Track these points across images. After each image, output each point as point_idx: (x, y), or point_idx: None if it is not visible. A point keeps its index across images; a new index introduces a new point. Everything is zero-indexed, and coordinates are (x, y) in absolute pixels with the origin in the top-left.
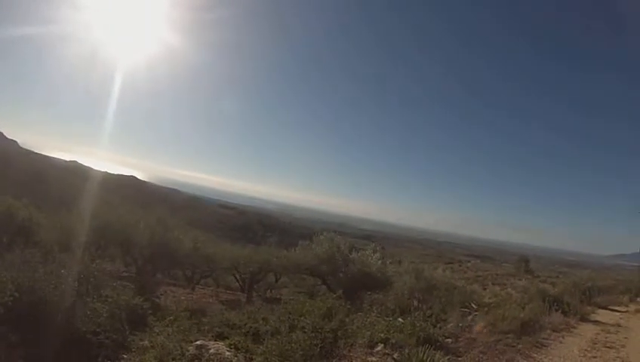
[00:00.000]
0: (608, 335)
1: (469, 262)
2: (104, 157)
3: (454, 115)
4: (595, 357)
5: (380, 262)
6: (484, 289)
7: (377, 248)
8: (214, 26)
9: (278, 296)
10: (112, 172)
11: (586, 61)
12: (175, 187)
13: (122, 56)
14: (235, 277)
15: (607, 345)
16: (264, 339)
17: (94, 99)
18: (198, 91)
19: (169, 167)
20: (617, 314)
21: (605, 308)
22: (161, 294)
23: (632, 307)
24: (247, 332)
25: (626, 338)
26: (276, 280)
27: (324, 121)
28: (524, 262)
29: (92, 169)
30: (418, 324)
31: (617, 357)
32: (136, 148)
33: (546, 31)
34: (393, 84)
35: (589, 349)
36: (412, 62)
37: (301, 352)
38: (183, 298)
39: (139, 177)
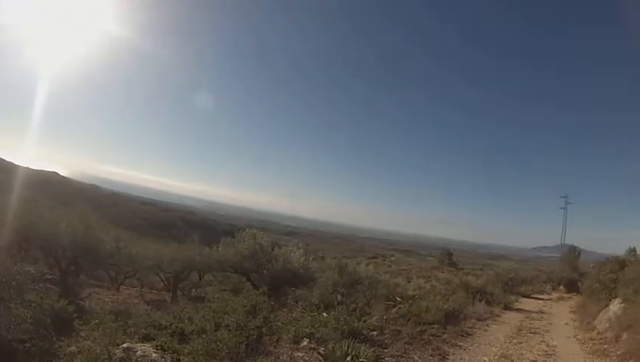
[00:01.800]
0: (532, 321)
1: (392, 256)
2: (26, 151)
3: (371, 108)
4: (520, 343)
5: (303, 258)
6: (409, 282)
7: (300, 244)
8: (151, 17)
9: (202, 295)
10: (33, 167)
11: (520, 53)
12: (97, 183)
13: (47, 47)
14: (159, 277)
15: (532, 331)
16: (190, 339)
17: (16, 92)
18: (123, 85)
19: (92, 162)
20: (541, 301)
21: (529, 296)
22: (86, 296)
23: (555, 295)
24: (174, 332)
25: (550, 323)
26: (200, 279)
27: (248, 117)
28: (447, 256)
29: (13, 164)
30: (342, 318)
31: (542, 341)
32: (59, 143)
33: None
34: (315, 80)
35: (514, 335)
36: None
37: (227, 351)
38: (107, 299)
39: (61, 173)
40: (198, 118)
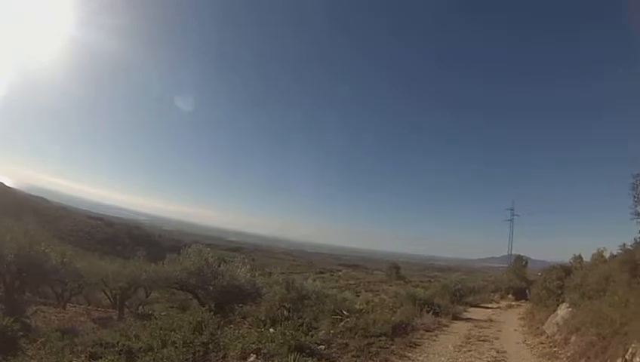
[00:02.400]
0: (482, 329)
1: (340, 271)
2: None
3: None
4: (469, 351)
5: (249, 274)
6: (358, 296)
7: (246, 260)
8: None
9: (150, 312)
10: None
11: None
12: (44, 195)
13: None
14: (106, 294)
15: (481, 339)
16: (138, 357)
17: None
18: (69, 93)
19: (40, 173)
20: (490, 310)
21: (477, 306)
22: (32, 314)
23: (503, 303)
24: (121, 350)
25: (499, 331)
26: (147, 296)
27: (197, 130)
28: (395, 269)
29: None
30: (289, 333)
31: (492, 348)
32: (6, 152)
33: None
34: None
35: (463, 344)
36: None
37: None
38: (54, 317)
39: (7, 183)
40: (148, 131)
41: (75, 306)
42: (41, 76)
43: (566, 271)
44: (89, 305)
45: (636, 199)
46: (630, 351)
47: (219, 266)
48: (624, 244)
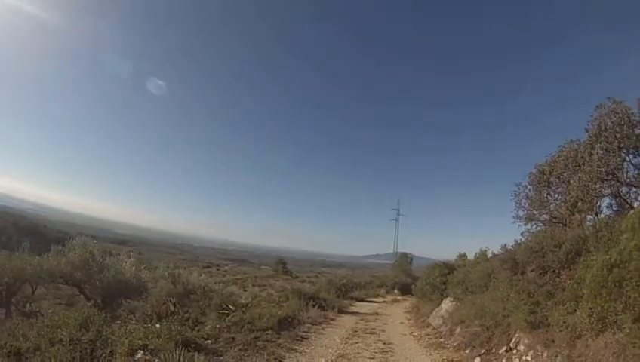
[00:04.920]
0: (368, 322)
1: (226, 265)
2: None
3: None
4: (356, 343)
5: (134, 267)
6: (245, 290)
7: (131, 253)
8: None
9: (37, 310)
10: None
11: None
12: None
13: None
14: None
15: (368, 331)
16: (26, 358)
17: None
18: None
19: None
20: (376, 304)
21: (363, 300)
22: None
23: (389, 298)
24: (9, 352)
25: (385, 324)
26: (33, 292)
27: (86, 117)
28: (281, 265)
29: None
30: (175, 328)
31: (379, 339)
32: None
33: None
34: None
35: (350, 336)
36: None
37: None
38: None
39: None
40: (40, 118)
41: None
42: None
43: (449, 268)
44: None
45: (518, 204)
46: (514, 339)
47: (104, 259)
48: (505, 244)
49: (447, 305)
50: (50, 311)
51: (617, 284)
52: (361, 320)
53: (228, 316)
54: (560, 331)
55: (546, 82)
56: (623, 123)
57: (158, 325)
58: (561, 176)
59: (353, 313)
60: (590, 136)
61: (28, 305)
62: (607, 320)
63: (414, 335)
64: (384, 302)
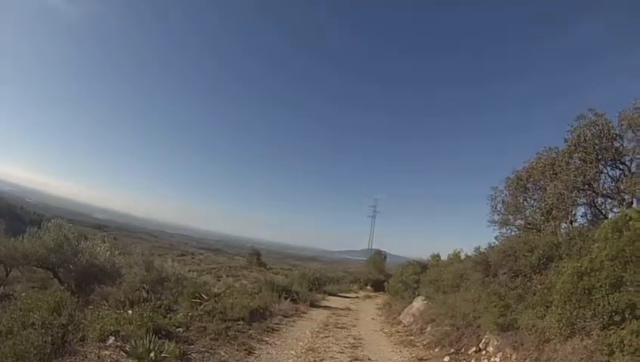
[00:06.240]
0: (339, 317)
1: (201, 254)
2: None
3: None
4: (327, 337)
5: (108, 252)
6: (219, 280)
7: (106, 238)
8: None
9: (10, 293)
10: None
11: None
12: None
13: None
14: None
15: (339, 326)
16: None
17: None
18: None
19: None
20: (348, 300)
21: (336, 295)
22: None
23: (362, 294)
24: None
25: (356, 319)
26: (7, 274)
27: (65, 97)
28: (256, 256)
29: None
30: (146, 315)
31: (349, 334)
32: None
33: None
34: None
35: (320, 330)
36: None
37: (35, 351)
38: None
39: None
40: (23, 98)
41: None
42: None
43: (422, 267)
44: None
45: (493, 208)
46: (484, 340)
47: (79, 244)
48: (479, 247)
49: (418, 303)
50: (23, 294)
51: (587, 292)
52: (333, 314)
53: (200, 305)
54: (529, 334)
55: (533, 87)
56: (602, 135)
57: (130, 311)
58: (537, 183)
59: (325, 307)
60: (569, 146)
61: (1, 287)
62: (575, 326)
63: (385, 332)
64: (357, 297)
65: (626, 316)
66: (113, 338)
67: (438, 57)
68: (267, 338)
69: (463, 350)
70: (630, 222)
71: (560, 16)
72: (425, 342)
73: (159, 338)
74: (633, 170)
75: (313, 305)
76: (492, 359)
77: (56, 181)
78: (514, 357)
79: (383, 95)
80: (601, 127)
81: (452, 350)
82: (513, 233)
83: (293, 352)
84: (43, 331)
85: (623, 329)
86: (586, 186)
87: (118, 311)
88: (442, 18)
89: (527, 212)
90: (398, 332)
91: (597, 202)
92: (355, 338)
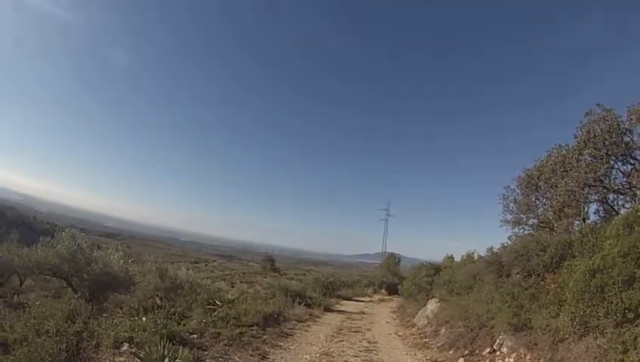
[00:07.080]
0: (354, 321)
1: (215, 261)
2: None
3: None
4: (341, 341)
5: (122, 261)
6: (233, 286)
7: (119, 246)
8: None
9: (25, 301)
10: None
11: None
12: None
13: None
14: None
15: (353, 330)
16: (14, 349)
17: None
18: None
19: None
20: (362, 303)
21: (350, 299)
22: None
23: (376, 297)
24: None
25: (371, 323)
26: (21, 284)
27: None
28: (269, 262)
29: None
30: (160, 322)
31: (364, 338)
32: None
33: None
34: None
35: (335, 334)
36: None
37: (49, 359)
38: None
39: None
40: (33, 108)
41: None
42: None
43: (436, 269)
44: None
45: (505, 208)
46: (498, 341)
47: (92, 253)
48: (492, 247)
49: (432, 305)
50: (37, 302)
51: (600, 290)
52: (347, 318)
53: (214, 311)
54: (543, 334)
55: (538, 88)
56: (612, 130)
57: (144, 318)
58: (549, 181)
59: (339, 311)
60: (579, 142)
61: (16, 296)
62: (589, 325)
63: (399, 335)
64: (371, 301)
65: None
66: (127, 344)
67: (438, 57)
68: (281, 343)
69: (477, 351)
70: None
71: (560, 16)
72: (439, 344)
73: (173, 344)
74: None
75: (327, 309)
76: (506, 359)
77: (69, 191)
78: (528, 357)
79: (392, 100)
80: (610, 122)
81: (466, 351)
82: (526, 232)
83: (307, 357)
84: (57, 338)
85: (636, 326)
86: (597, 182)
87: (132, 318)
88: (442, 18)
89: (539, 210)
90: (412, 334)
91: (609, 198)
92: (369, 342)
